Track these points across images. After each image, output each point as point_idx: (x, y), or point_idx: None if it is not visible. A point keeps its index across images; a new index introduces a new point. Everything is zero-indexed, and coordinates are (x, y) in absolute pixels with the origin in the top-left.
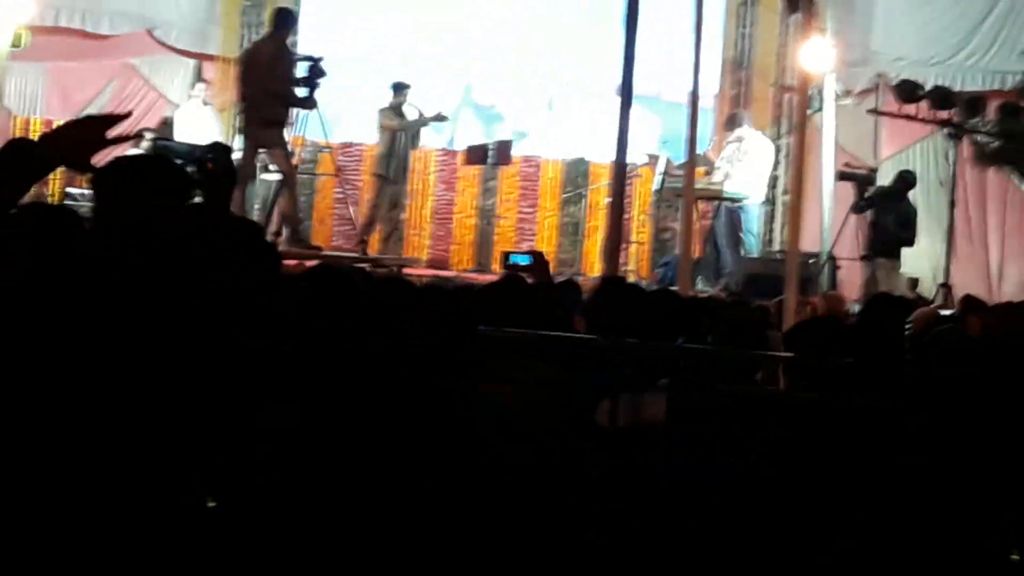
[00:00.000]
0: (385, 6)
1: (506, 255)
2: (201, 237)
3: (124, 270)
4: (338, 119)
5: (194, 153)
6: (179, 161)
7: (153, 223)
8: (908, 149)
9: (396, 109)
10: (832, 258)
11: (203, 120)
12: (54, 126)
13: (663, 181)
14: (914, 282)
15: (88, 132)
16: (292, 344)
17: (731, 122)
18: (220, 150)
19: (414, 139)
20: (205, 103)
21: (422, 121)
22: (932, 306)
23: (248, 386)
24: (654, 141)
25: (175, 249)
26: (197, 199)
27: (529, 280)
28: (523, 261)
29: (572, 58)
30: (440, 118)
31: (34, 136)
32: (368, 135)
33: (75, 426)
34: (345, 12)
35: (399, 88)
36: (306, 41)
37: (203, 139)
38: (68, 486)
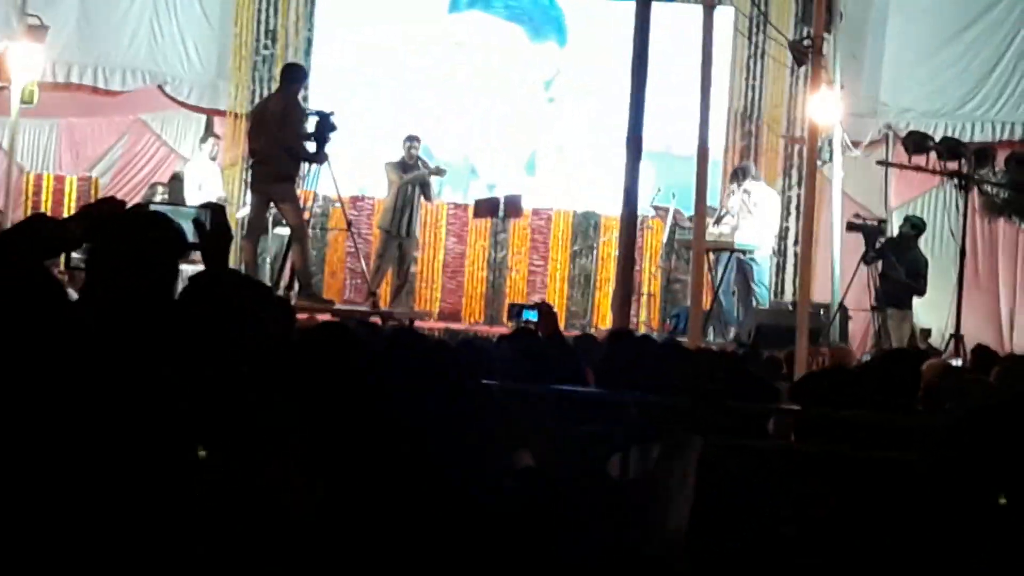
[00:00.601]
0: (399, 59)
1: (512, 307)
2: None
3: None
4: (349, 173)
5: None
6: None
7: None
8: (917, 199)
9: (402, 162)
10: (843, 308)
11: (209, 176)
12: (66, 182)
13: (673, 232)
14: (926, 333)
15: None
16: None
17: (738, 174)
18: (215, 210)
19: (425, 192)
20: (212, 158)
21: (420, 175)
22: (943, 357)
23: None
24: (663, 193)
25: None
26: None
27: (537, 332)
28: (532, 317)
29: (581, 111)
30: (438, 171)
31: (46, 191)
32: (378, 189)
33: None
34: (356, 65)
35: (408, 140)
36: (317, 95)
37: (208, 194)
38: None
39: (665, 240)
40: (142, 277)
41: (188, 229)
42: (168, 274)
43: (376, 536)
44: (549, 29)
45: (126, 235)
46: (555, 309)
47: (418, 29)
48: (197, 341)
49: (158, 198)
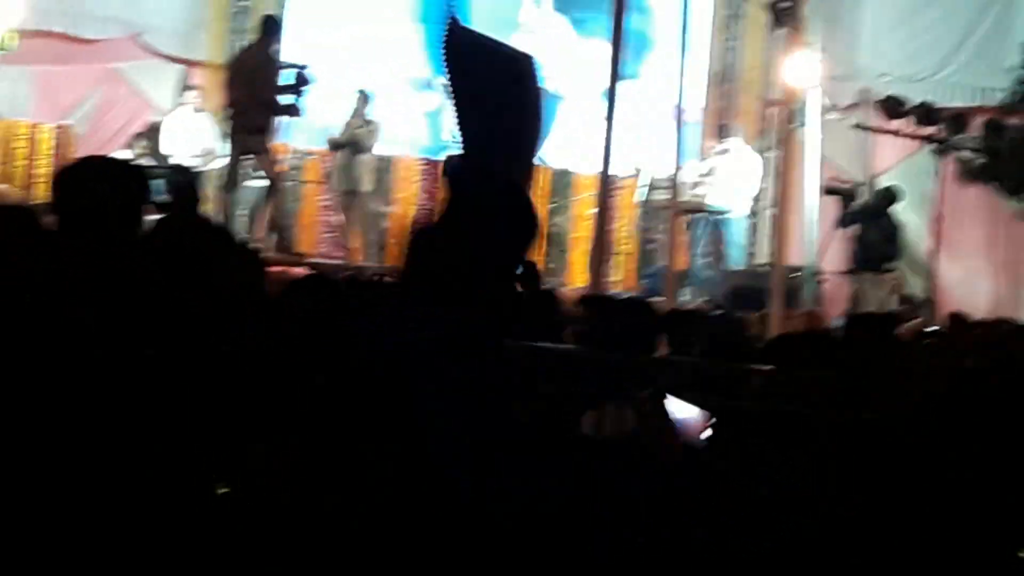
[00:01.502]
0: (377, 12)
1: None
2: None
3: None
4: (325, 126)
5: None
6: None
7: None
8: (898, 165)
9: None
10: (817, 272)
11: (197, 127)
12: (40, 129)
13: (648, 193)
14: (907, 298)
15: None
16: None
17: (721, 132)
18: (182, 171)
19: (357, 147)
20: (197, 110)
21: (352, 133)
22: (917, 321)
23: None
24: (640, 153)
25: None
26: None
27: (519, 289)
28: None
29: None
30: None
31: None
32: None
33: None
34: (332, 19)
35: (359, 96)
36: (292, 48)
37: (194, 147)
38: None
39: (640, 200)
40: (106, 222)
41: (156, 189)
42: (131, 221)
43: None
44: None
45: (90, 181)
46: (538, 268)
47: None
48: (162, 289)
49: (139, 148)
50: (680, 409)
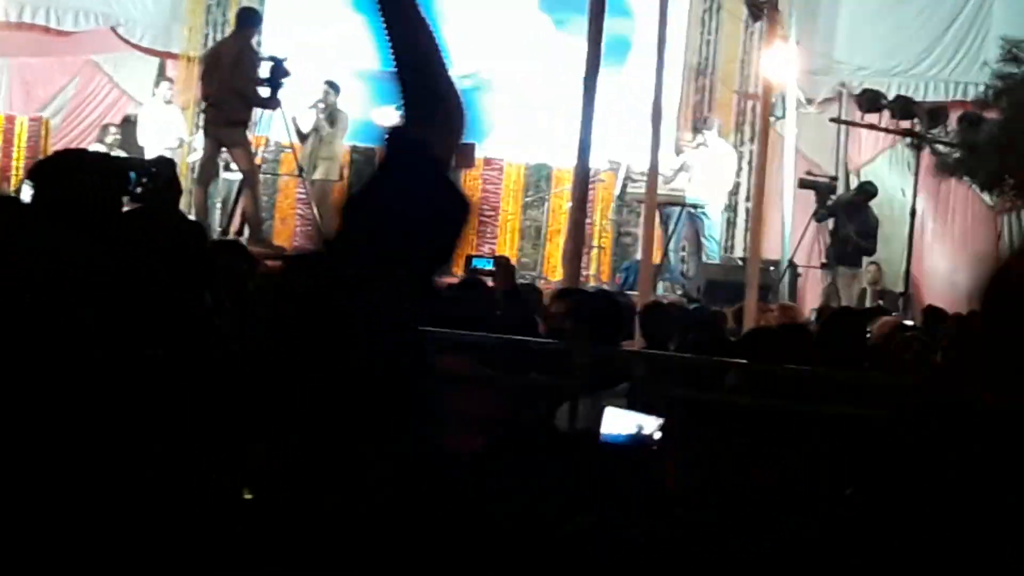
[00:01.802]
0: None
1: (468, 259)
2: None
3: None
4: (302, 119)
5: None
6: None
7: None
8: (874, 160)
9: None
10: (793, 265)
11: (167, 119)
12: (16, 122)
13: (625, 186)
14: (884, 292)
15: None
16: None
17: (697, 126)
18: (164, 163)
19: (325, 137)
20: (168, 102)
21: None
22: (893, 315)
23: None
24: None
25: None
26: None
27: (491, 285)
28: (485, 265)
29: (536, 60)
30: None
31: None
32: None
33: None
34: (310, 11)
35: (327, 87)
36: (270, 41)
37: (166, 138)
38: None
39: (617, 194)
40: (83, 215)
41: (133, 180)
42: (109, 214)
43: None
44: None
45: (67, 174)
46: (512, 263)
47: None
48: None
49: (109, 139)
50: None
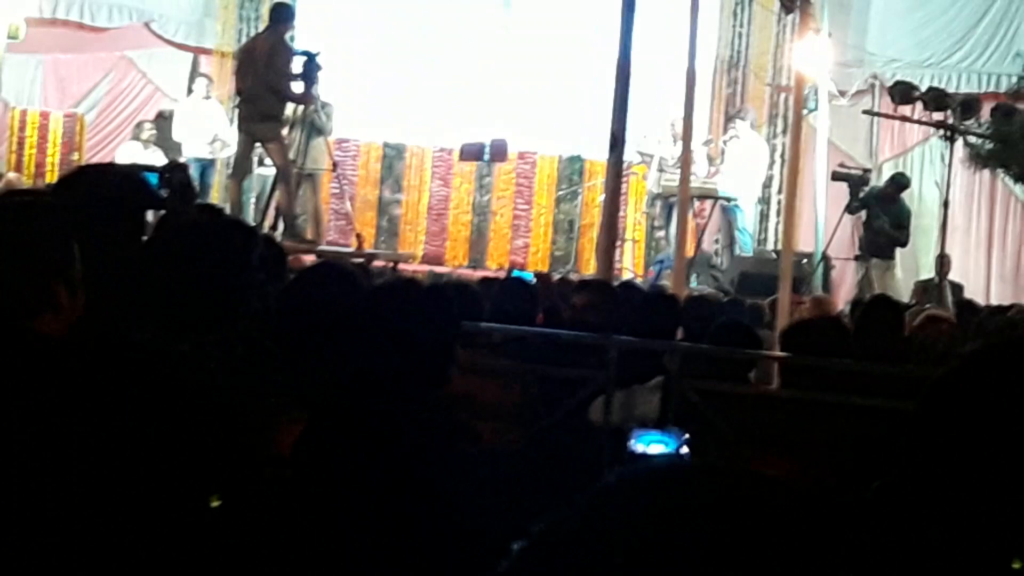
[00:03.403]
0: (387, 2)
1: (510, 271)
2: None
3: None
4: (336, 114)
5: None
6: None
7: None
8: (906, 152)
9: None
10: (826, 258)
11: (206, 115)
12: (51, 118)
13: (659, 179)
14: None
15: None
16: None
17: (730, 118)
18: (176, 168)
19: (311, 129)
20: (207, 97)
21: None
22: (928, 307)
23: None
24: (648, 139)
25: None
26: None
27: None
28: (525, 276)
29: (569, 53)
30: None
31: (31, 127)
32: (364, 131)
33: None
34: (343, 6)
35: None
36: (305, 36)
37: (205, 134)
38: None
39: (649, 187)
40: (109, 230)
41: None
42: (135, 227)
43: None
44: None
45: (91, 188)
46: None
47: None
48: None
49: (145, 136)
50: None
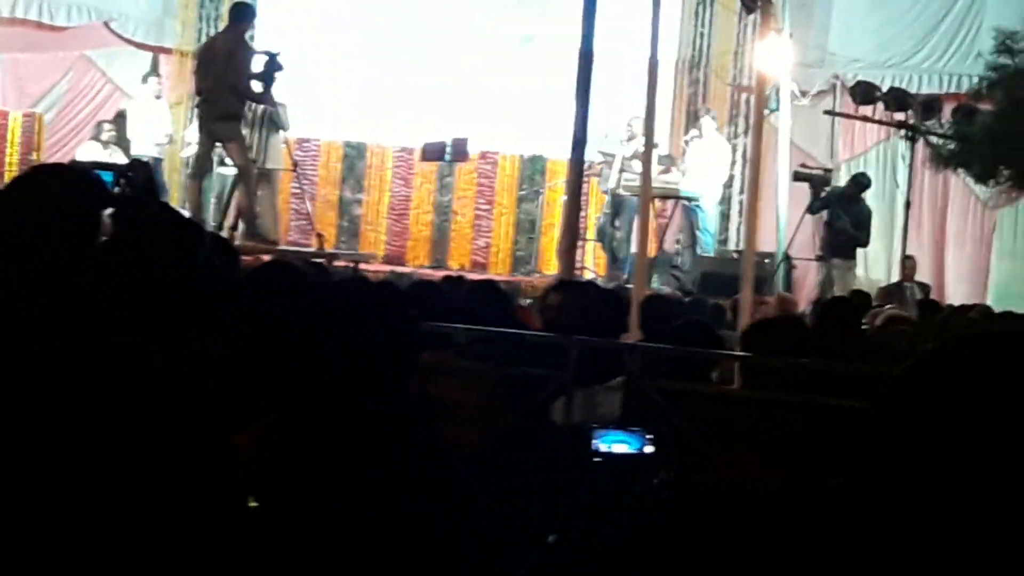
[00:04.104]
0: (346, 2)
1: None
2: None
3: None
4: (296, 114)
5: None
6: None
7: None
8: (867, 152)
9: None
10: (788, 258)
11: (155, 114)
12: (10, 117)
13: (620, 179)
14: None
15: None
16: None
17: (691, 118)
18: (138, 166)
19: (267, 127)
20: (157, 97)
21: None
22: (889, 307)
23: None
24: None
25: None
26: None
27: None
28: None
29: (530, 51)
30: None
31: None
32: (324, 130)
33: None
34: (302, 6)
35: None
36: (265, 35)
37: (156, 134)
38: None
39: (611, 186)
40: (63, 229)
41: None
42: (90, 225)
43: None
44: None
45: (46, 187)
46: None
47: None
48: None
49: (104, 136)
50: None
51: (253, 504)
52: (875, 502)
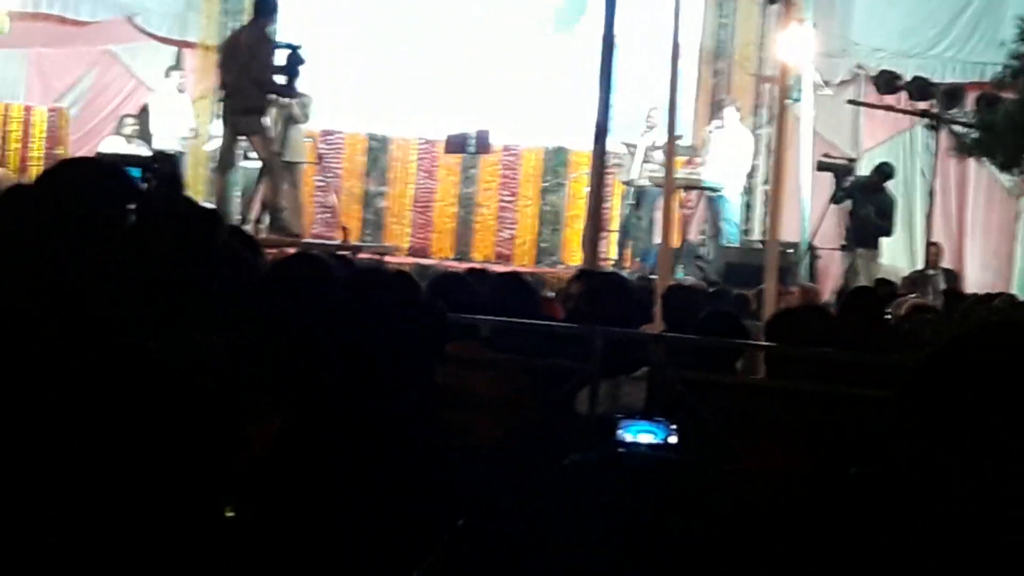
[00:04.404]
0: None
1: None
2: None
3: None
4: (320, 107)
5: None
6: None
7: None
8: (890, 141)
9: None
10: (812, 248)
11: (178, 108)
12: (34, 112)
13: (642, 169)
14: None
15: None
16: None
17: (715, 109)
18: (163, 159)
19: (288, 120)
20: (180, 91)
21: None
22: (913, 296)
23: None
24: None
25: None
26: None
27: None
28: None
29: (553, 44)
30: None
31: (15, 121)
32: (348, 123)
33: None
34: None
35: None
36: (287, 28)
37: (177, 127)
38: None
39: (634, 178)
40: (88, 223)
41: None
42: (116, 219)
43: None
44: None
45: (73, 182)
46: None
47: None
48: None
49: (127, 130)
50: None
51: (258, 501)
52: (895, 491)
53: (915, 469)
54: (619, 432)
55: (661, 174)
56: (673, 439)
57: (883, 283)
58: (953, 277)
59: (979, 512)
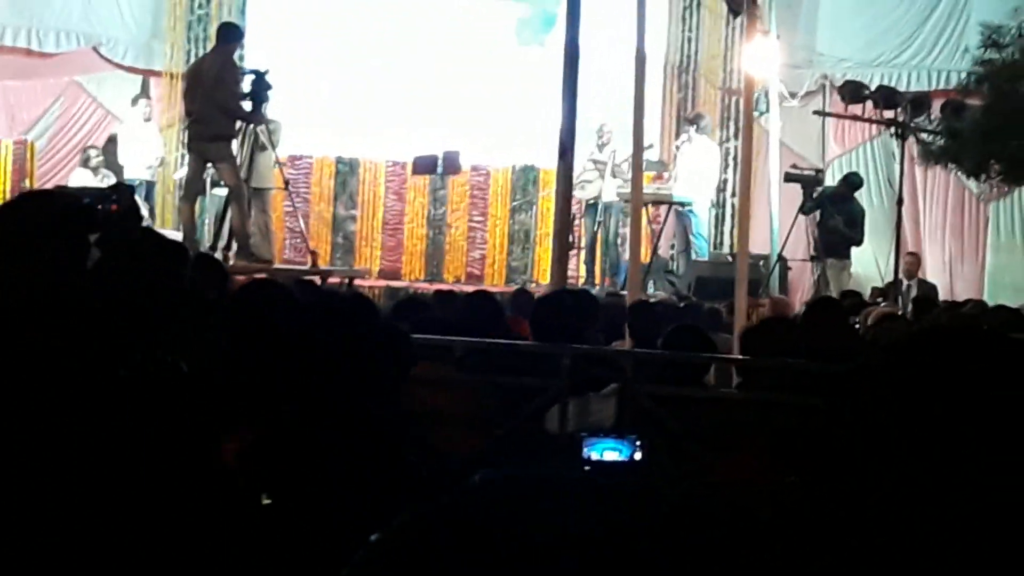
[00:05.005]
0: (334, 18)
1: None
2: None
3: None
4: (286, 132)
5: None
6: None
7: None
8: (856, 149)
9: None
10: (782, 259)
11: (145, 137)
12: (1, 145)
13: (608, 186)
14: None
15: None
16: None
17: (681, 123)
18: (123, 190)
19: (255, 146)
20: (147, 120)
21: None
22: (883, 305)
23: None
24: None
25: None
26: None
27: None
28: None
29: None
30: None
31: None
32: (316, 147)
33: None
34: (292, 23)
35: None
36: (253, 54)
37: (145, 156)
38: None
39: (596, 194)
40: (50, 255)
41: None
42: (78, 250)
43: (300, 484)
44: None
45: (34, 213)
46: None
47: None
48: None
49: (93, 162)
50: None
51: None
52: (827, 499)
53: (845, 476)
54: (584, 450)
55: (628, 190)
56: (639, 455)
57: (849, 294)
58: (930, 288)
59: (918, 515)
